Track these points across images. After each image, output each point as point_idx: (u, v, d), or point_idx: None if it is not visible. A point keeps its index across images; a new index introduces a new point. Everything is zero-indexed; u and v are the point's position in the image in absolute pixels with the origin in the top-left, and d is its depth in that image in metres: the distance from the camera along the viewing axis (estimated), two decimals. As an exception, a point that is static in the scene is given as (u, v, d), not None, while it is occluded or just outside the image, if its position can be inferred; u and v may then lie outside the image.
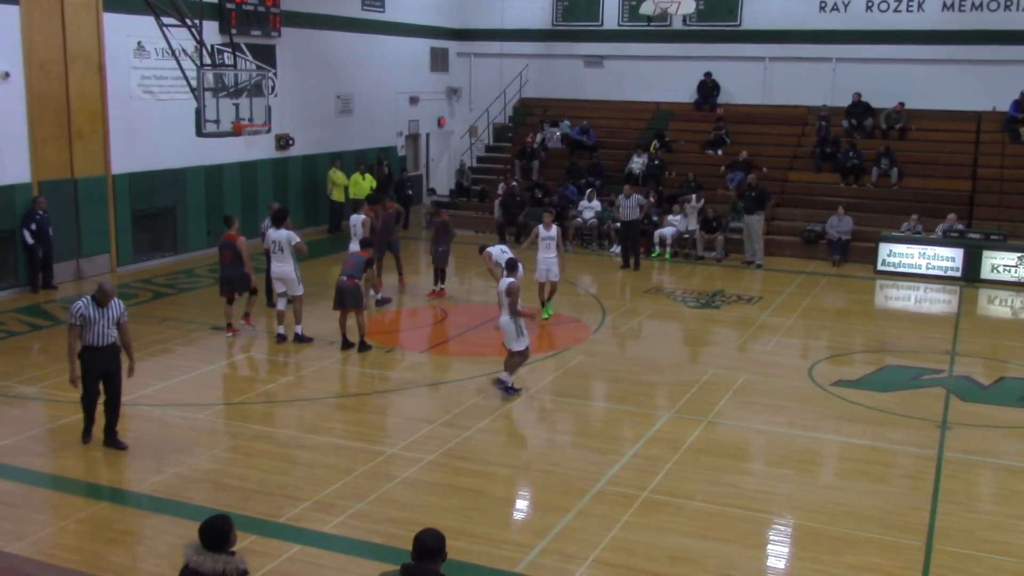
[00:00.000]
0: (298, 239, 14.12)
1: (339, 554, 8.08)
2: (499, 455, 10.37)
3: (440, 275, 17.44)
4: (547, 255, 15.62)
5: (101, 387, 10.12)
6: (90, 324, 9.79)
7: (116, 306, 9.95)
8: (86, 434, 10.31)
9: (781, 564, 8.31)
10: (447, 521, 8.45)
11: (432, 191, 26.94)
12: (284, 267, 14.13)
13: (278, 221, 14.31)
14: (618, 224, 22.24)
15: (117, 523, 8.70)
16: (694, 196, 21.91)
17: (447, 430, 10.90)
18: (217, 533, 5.36)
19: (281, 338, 14.20)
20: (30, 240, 16.73)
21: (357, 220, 16.54)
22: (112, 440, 10.19)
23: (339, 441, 10.64)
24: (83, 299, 9.86)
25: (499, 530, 8.66)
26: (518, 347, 11.93)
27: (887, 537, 8.57)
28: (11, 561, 7.80)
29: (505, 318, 11.98)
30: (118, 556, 8.05)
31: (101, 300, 9.82)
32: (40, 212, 16.83)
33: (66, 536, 8.38)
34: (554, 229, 15.70)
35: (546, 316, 15.75)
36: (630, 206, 20.29)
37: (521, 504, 9.45)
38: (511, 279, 12.20)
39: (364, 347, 13.83)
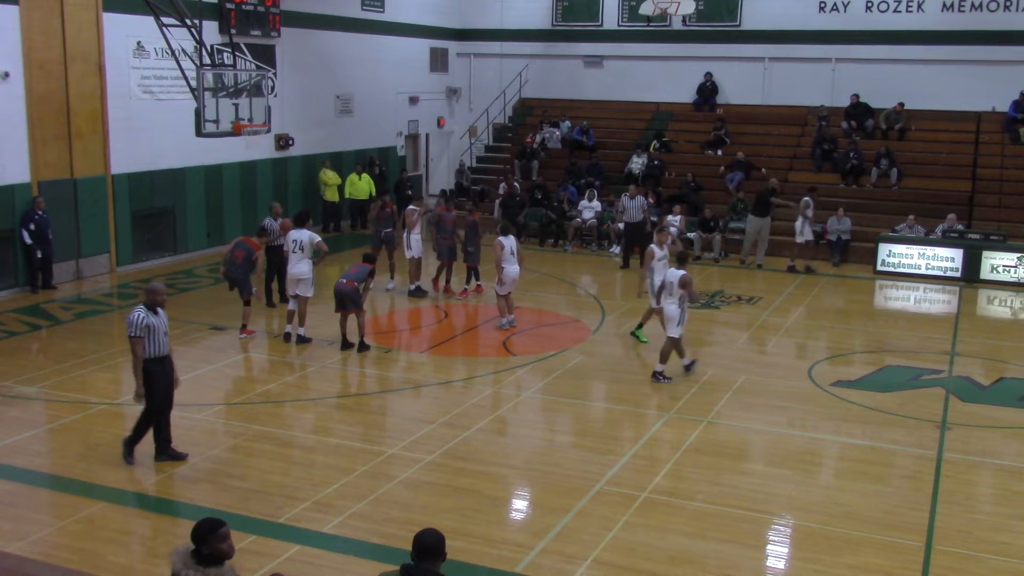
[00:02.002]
0: (319, 239, 14.18)
1: (338, 554, 8.08)
2: (499, 455, 10.38)
3: (474, 274, 17.46)
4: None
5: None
6: (152, 333, 9.42)
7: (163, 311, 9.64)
8: (130, 453, 9.77)
9: (781, 564, 8.31)
10: (447, 521, 8.46)
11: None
12: (301, 267, 14.17)
13: (300, 221, 14.43)
14: (619, 224, 22.27)
15: (117, 523, 8.71)
16: (810, 199, 20.46)
17: (447, 430, 10.90)
18: (201, 531, 5.30)
19: (288, 336, 14.25)
20: (28, 240, 16.73)
21: (415, 211, 17.31)
22: (173, 452, 9.90)
23: (339, 441, 10.64)
24: (138, 309, 9.44)
25: (499, 530, 8.66)
26: (675, 334, 12.73)
27: (887, 537, 8.58)
28: (11, 561, 7.79)
29: (673, 306, 12.70)
30: (118, 556, 8.05)
31: (159, 303, 9.53)
32: (39, 212, 16.82)
33: (66, 536, 8.37)
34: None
35: (646, 340, 14.40)
36: (635, 207, 20.21)
37: (521, 504, 9.45)
38: (683, 271, 12.76)
39: (363, 347, 13.84)
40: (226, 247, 14.93)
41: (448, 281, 17.48)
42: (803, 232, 20.38)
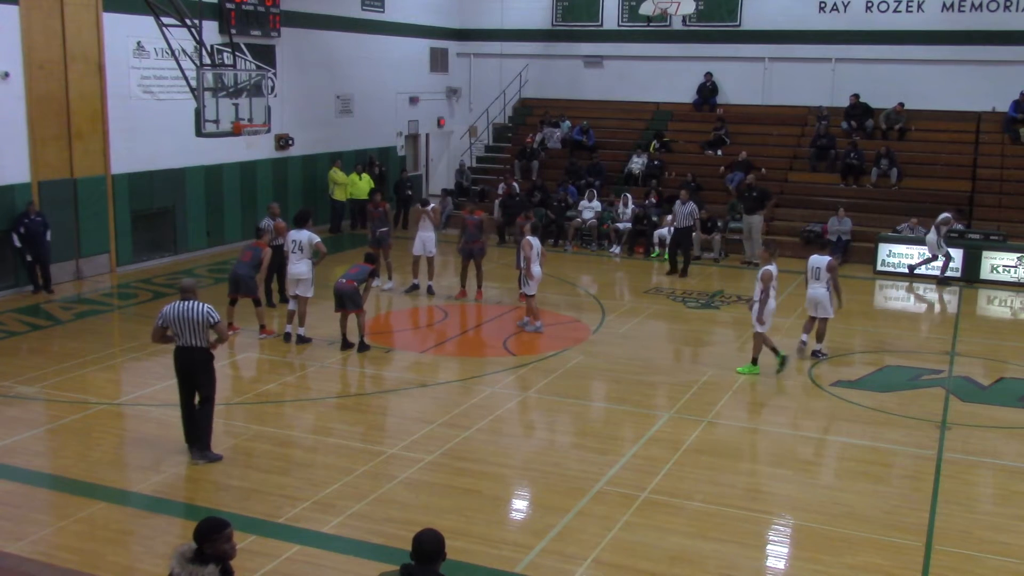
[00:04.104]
0: (318, 240, 14.18)
1: (339, 554, 8.08)
2: (499, 455, 10.37)
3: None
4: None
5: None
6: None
7: None
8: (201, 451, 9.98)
9: (781, 564, 8.31)
10: (447, 521, 8.46)
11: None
12: (300, 267, 14.17)
13: (300, 222, 14.44)
14: (618, 225, 22.31)
15: (117, 523, 8.70)
16: (949, 215, 19.60)
17: (447, 430, 10.90)
18: (204, 530, 5.33)
19: (288, 336, 14.27)
20: (18, 243, 16.45)
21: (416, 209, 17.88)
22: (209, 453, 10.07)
23: (339, 441, 10.64)
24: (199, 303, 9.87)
25: (499, 530, 8.66)
26: (830, 315, 13.94)
27: (887, 537, 8.58)
28: (11, 561, 7.80)
29: (823, 290, 13.72)
30: (117, 556, 8.05)
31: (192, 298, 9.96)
32: (29, 217, 16.48)
33: (66, 536, 8.37)
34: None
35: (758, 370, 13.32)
36: (684, 212, 19.95)
37: (521, 504, 9.45)
38: (829, 256, 13.91)
39: (364, 347, 13.84)
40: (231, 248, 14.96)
41: (463, 284, 17.37)
42: (939, 246, 19.44)
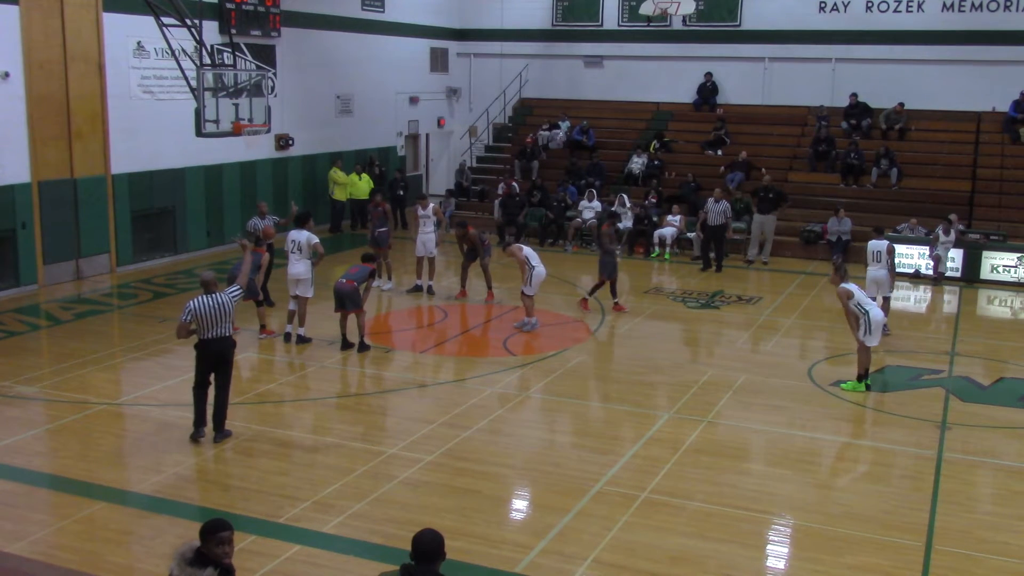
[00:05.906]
0: (316, 240, 14.20)
1: (339, 554, 8.08)
2: (499, 455, 10.37)
3: (613, 286, 16.56)
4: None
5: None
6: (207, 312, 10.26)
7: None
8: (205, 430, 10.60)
9: (781, 564, 8.31)
10: (447, 521, 8.46)
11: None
12: (299, 268, 14.18)
13: (300, 222, 14.49)
14: (619, 225, 22.28)
15: (117, 523, 8.70)
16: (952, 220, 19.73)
17: (447, 430, 10.90)
18: (202, 531, 5.36)
19: (288, 336, 14.28)
20: None
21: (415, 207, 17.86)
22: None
23: (339, 441, 10.64)
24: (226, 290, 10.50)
25: (499, 530, 8.66)
26: (888, 293, 15.18)
27: (887, 537, 8.58)
28: (11, 561, 7.80)
29: (883, 271, 14.97)
30: (117, 556, 8.06)
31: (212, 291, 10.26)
32: None
33: (66, 536, 8.37)
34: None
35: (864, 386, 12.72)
36: (717, 211, 19.96)
37: (521, 504, 9.45)
38: (886, 240, 15.13)
39: (364, 347, 13.84)
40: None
41: (464, 285, 17.37)
42: (943, 244, 19.52)
